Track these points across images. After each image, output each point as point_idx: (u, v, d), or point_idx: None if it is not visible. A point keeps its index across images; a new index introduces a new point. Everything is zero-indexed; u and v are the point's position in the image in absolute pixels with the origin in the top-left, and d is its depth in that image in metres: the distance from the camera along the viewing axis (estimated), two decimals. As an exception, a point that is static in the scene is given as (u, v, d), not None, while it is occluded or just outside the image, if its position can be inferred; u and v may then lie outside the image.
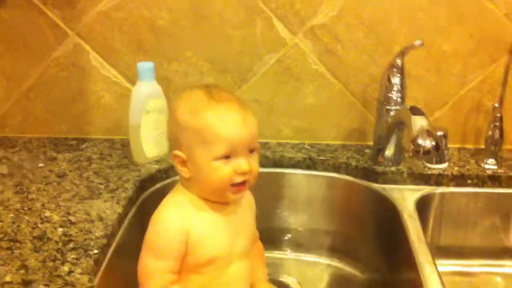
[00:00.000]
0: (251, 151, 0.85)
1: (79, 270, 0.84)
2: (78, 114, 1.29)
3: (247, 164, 0.84)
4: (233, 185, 0.85)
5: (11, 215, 0.98)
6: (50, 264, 0.85)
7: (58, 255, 0.87)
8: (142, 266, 0.87)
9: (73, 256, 0.87)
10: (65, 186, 1.09)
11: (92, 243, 0.91)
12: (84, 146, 1.28)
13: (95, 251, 0.89)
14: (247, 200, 0.95)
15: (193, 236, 0.86)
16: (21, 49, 1.24)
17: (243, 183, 0.85)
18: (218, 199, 0.88)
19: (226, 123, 0.83)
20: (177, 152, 0.87)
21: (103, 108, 1.28)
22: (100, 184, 1.10)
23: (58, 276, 0.83)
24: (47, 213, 0.99)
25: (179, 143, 0.87)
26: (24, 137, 1.31)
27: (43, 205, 1.02)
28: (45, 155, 1.23)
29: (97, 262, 0.88)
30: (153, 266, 0.86)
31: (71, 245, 0.90)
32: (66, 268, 0.84)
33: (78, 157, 1.22)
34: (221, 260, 0.89)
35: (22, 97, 1.28)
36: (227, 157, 0.83)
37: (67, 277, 0.82)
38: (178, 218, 0.86)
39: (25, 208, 1.00)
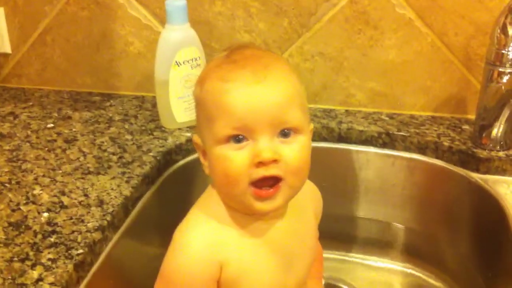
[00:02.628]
0: (285, 131, 0.59)
1: (50, 278, 0.64)
2: (103, 64, 1.12)
3: (268, 149, 0.57)
4: (255, 184, 0.59)
5: (-7, 189, 0.81)
6: (17, 265, 0.66)
7: (32, 253, 0.68)
8: None
9: (50, 255, 0.67)
10: (70, 155, 0.90)
11: (79, 238, 0.70)
12: (108, 104, 1.08)
13: (80, 251, 0.68)
14: (309, 197, 0.71)
15: (229, 271, 0.63)
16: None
17: (269, 183, 0.59)
18: (241, 208, 0.63)
19: (232, 86, 0.58)
20: (194, 137, 0.67)
21: (132, 58, 1.10)
22: (113, 154, 0.90)
23: (21, 285, 0.63)
24: (37, 190, 0.80)
25: (197, 124, 0.67)
26: (42, 90, 1.16)
27: (35, 179, 0.83)
28: (59, 113, 1.05)
29: (80, 266, 0.67)
30: None
31: (53, 238, 0.70)
32: (35, 273, 0.65)
33: (98, 117, 1.03)
34: None
35: (38, 41, 1.12)
36: (237, 139, 0.58)
37: None
38: (209, 245, 0.63)
39: (13, 182, 0.83)
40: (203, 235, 0.63)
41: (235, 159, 0.58)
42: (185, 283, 0.63)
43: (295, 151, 0.59)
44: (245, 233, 0.64)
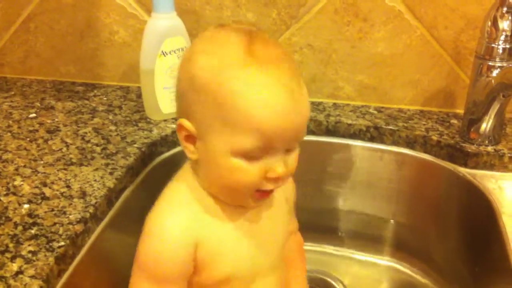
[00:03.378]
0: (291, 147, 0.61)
1: (31, 271, 0.61)
2: (88, 53, 1.09)
3: (282, 166, 0.59)
4: (259, 191, 0.61)
5: (-27, 180, 0.79)
6: (-3, 257, 0.63)
7: (12, 245, 0.65)
8: None
9: (30, 248, 0.65)
10: (52, 146, 0.87)
11: (60, 230, 0.68)
12: (92, 94, 1.05)
13: (61, 243, 0.66)
14: (281, 188, 0.71)
15: (204, 249, 0.64)
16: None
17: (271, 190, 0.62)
18: (233, 203, 0.65)
19: (265, 102, 0.55)
20: (184, 122, 0.61)
21: (117, 47, 1.07)
22: (97, 145, 0.87)
23: (1, 278, 0.60)
24: (18, 181, 0.78)
25: (188, 107, 0.61)
26: (24, 79, 1.13)
27: (16, 169, 0.81)
28: (41, 103, 1.02)
29: (62, 259, 0.65)
30: None
31: (33, 230, 0.68)
32: (15, 265, 0.62)
33: (81, 107, 1.00)
34: (242, 279, 0.68)
35: (21, 28, 1.09)
36: (255, 155, 0.59)
37: (11, 281, 0.60)
38: (183, 227, 0.63)
39: (-7, 172, 0.80)
40: (177, 218, 0.63)
41: (250, 172, 0.58)
42: (161, 268, 0.63)
43: (294, 159, 0.61)
44: (218, 215, 0.65)
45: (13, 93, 1.05)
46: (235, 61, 0.57)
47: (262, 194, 0.61)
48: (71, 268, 0.66)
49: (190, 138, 0.62)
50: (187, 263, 0.63)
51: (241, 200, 0.63)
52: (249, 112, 0.55)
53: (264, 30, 0.71)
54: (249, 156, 0.58)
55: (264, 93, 0.55)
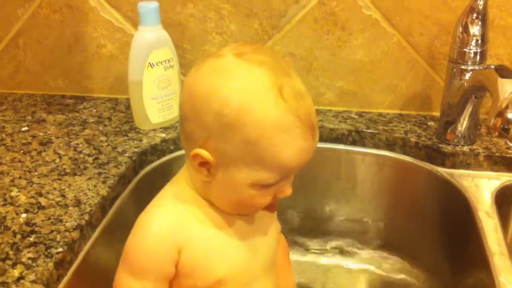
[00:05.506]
0: None
1: (31, 277, 0.64)
2: (76, 66, 1.11)
3: (290, 187, 0.65)
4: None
5: (-30, 192, 0.81)
6: (-3, 265, 0.66)
7: (11, 252, 0.68)
8: (115, 283, 0.68)
9: (30, 255, 0.68)
10: (46, 157, 0.90)
11: (58, 237, 0.71)
12: (82, 106, 1.07)
13: (59, 250, 0.68)
14: None
15: (189, 254, 0.65)
16: (6, -15, 1.06)
17: None
18: (236, 214, 0.68)
19: (294, 145, 0.59)
20: (201, 152, 0.60)
21: (105, 60, 1.09)
22: (89, 155, 0.90)
23: (3, 284, 0.63)
24: (14, 192, 0.80)
25: (205, 136, 0.60)
26: (15, 94, 1.14)
27: (12, 181, 0.83)
28: (32, 116, 1.04)
29: (60, 265, 0.68)
30: (128, 285, 0.66)
31: (32, 238, 0.70)
32: (16, 272, 0.65)
33: (72, 119, 1.02)
34: (236, 281, 0.68)
35: (10, 44, 1.11)
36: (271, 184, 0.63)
37: (13, 286, 0.63)
38: (167, 228, 0.65)
39: (-11, 185, 0.82)
40: (163, 218, 0.65)
41: (264, 197, 0.63)
42: (138, 262, 0.65)
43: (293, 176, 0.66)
44: (208, 221, 0.66)
45: (4, 107, 1.07)
46: (265, 102, 0.57)
47: (265, 207, 0.65)
48: (69, 273, 0.69)
49: (205, 164, 0.62)
50: (166, 264, 0.64)
51: (245, 213, 0.67)
52: (279, 154, 0.58)
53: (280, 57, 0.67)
54: (267, 185, 0.61)
55: (294, 136, 0.58)
